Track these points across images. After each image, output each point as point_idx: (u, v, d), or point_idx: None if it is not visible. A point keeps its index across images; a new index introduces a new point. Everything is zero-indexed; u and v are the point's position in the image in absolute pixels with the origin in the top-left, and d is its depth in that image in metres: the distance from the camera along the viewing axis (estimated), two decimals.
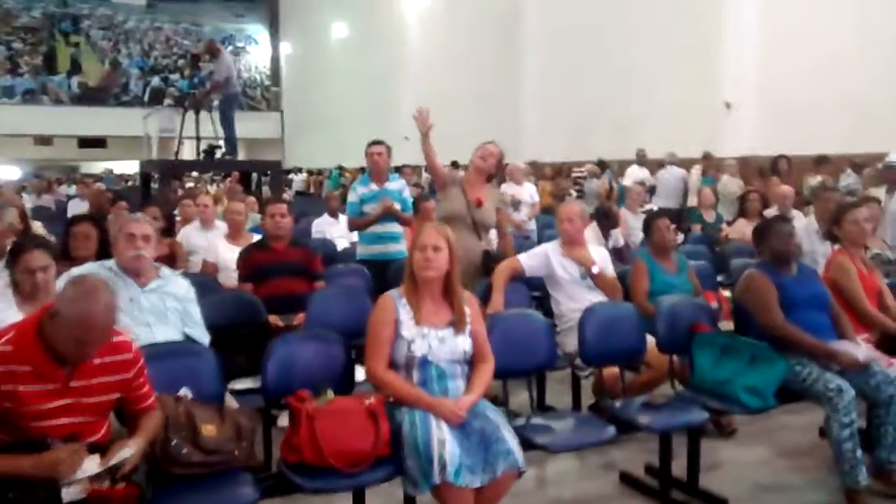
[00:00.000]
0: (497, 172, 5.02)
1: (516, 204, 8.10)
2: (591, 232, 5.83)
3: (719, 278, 5.60)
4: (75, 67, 22.26)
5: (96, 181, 14.55)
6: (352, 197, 5.59)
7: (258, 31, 25.19)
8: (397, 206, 5.46)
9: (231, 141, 10.54)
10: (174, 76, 22.65)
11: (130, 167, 26.36)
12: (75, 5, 22.13)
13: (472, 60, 15.87)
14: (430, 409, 2.82)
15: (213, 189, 14.59)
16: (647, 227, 4.78)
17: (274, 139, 25.54)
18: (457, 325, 3.00)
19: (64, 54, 22.12)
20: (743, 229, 6.58)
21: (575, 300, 4.30)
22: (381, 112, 19.31)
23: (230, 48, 24.51)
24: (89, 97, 22.31)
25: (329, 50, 22.20)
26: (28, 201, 12.66)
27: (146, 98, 22.62)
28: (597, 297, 4.28)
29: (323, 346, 3.12)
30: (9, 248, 3.51)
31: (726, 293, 4.74)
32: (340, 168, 17.67)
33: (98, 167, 26.46)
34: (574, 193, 11.43)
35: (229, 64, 10.55)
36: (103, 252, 4.33)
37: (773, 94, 10.83)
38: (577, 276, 4.38)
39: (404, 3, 18.30)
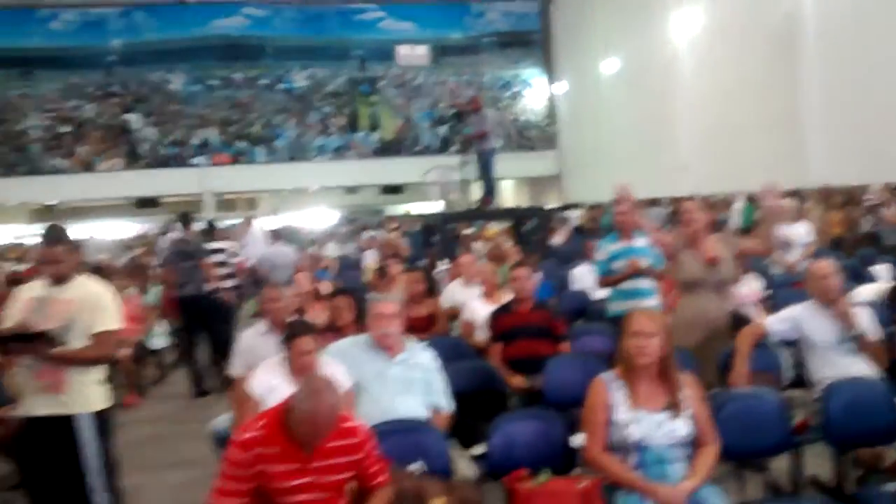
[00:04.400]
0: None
1: (786, 245, 7.59)
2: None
3: None
4: (374, 124, 24.71)
5: (396, 228, 16.10)
6: (600, 255, 5.66)
7: (533, 75, 26.08)
8: (646, 263, 5.45)
9: (489, 191, 11.18)
10: (459, 125, 24.25)
11: (426, 208, 28.70)
12: (372, 69, 24.59)
13: (748, 84, 15.03)
14: (648, 493, 2.84)
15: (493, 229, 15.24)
16: None
17: (552, 177, 26.16)
18: (674, 409, 2.99)
19: (364, 113, 24.70)
20: None
21: (832, 366, 3.99)
22: (657, 142, 18.98)
23: (508, 94, 25.70)
24: (387, 149, 24.63)
25: (601, 85, 22.34)
26: (335, 250, 14.27)
27: (436, 146, 24.42)
28: (858, 364, 3.95)
29: (543, 426, 3.26)
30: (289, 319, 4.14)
31: None
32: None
33: (399, 210, 29.05)
34: (865, 223, 10.36)
35: (488, 119, 11.23)
36: (362, 319, 4.90)
37: None
38: (834, 340, 4.06)
39: (673, 33, 17.90)
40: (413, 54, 18.05)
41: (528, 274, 5.10)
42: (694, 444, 3.00)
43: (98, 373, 3.71)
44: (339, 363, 3.85)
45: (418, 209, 28.42)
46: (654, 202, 15.85)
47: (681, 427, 2.97)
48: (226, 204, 25.70)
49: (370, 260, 11.36)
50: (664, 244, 4.79)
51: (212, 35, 23.86)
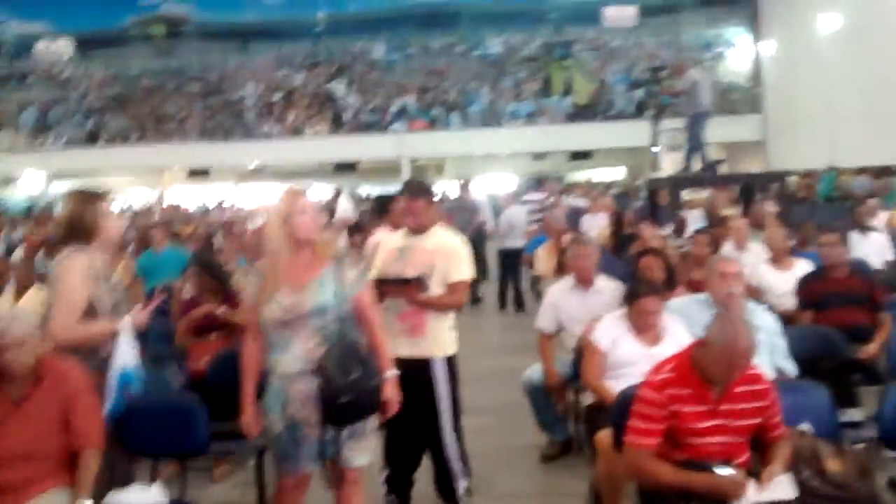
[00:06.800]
0: None
1: None
2: None
3: None
4: (567, 89, 24.42)
5: (591, 194, 15.75)
6: None
7: (737, 34, 24.73)
8: None
9: (695, 157, 11.03)
10: (655, 88, 23.44)
11: (611, 175, 28.20)
12: (569, 32, 24.26)
13: None
14: None
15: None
16: None
17: (753, 143, 24.82)
18: None
19: (558, 78, 24.48)
20: None
21: None
22: (883, 107, 17.55)
23: (708, 55, 24.50)
24: (579, 115, 24.30)
25: (818, 44, 20.83)
26: None
27: (631, 111, 23.78)
28: None
29: None
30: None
31: None
32: (835, 170, 16.47)
33: (580, 177, 28.73)
34: None
35: (693, 81, 11.10)
36: (670, 280, 4.89)
37: None
38: None
39: None
40: (620, 15, 17.63)
41: (834, 240, 4.91)
42: None
43: (450, 319, 3.93)
44: (678, 320, 3.88)
45: (600, 176, 28.04)
46: (886, 171, 14.76)
47: None
48: (418, 169, 26.41)
49: (593, 224, 11.31)
50: None
51: (411, 4, 24.41)
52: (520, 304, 9.83)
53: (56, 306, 3.06)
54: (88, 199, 3.21)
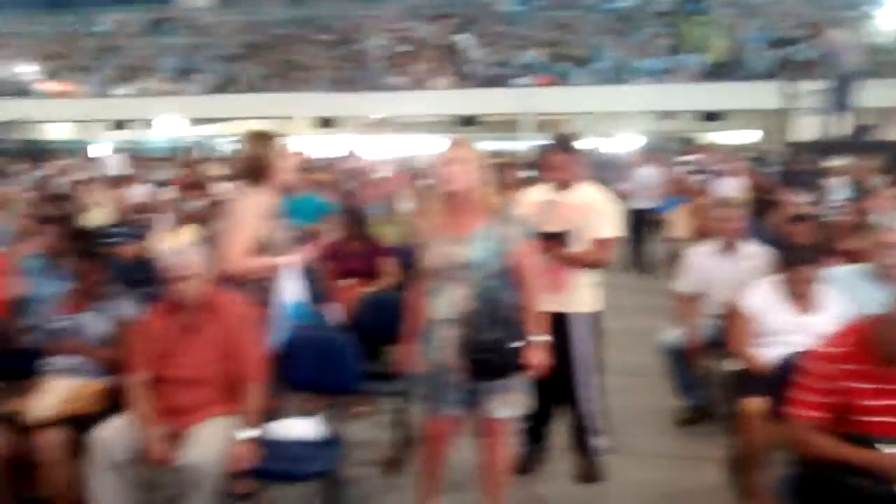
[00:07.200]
0: None
1: None
2: None
3: None
4: (700, 46, 23.35)
5: (732, 156, 15.05)
6: None
7: None
8: None
9: (839, 121, 10.37)
10: (796, 48, 22.12)
11: (742, 138, 26.92)
12: None
13: None
14: None
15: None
16: None
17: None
18: None
19: (691, 34, 23.43)
20: None
21: None
22: None
23: (855, 13, 22.81)
24: (712, 73, 23.21)
25: None
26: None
27: (767, 71, 22.53)
28: None
29: None
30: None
31: None
32: None
33: (710, 139, 27.55)
34: None
35: (832, 42, 10.41)
36: (822, 249, 4.66)
37: None
38: None
39: None
40: None
41: None
42: None
43: (593, 276, 3.90)
44: (836, 291, 3.71)
45: (733, 138, 26.81)
46: None
47: None
48: (540, 125, 26.05)
49: (730, 188, 10.90)
50: None
51: None
52: (649, 266, 9.63)
53: (228, 239, 3.25)
54: (268, 141, 3.37)
